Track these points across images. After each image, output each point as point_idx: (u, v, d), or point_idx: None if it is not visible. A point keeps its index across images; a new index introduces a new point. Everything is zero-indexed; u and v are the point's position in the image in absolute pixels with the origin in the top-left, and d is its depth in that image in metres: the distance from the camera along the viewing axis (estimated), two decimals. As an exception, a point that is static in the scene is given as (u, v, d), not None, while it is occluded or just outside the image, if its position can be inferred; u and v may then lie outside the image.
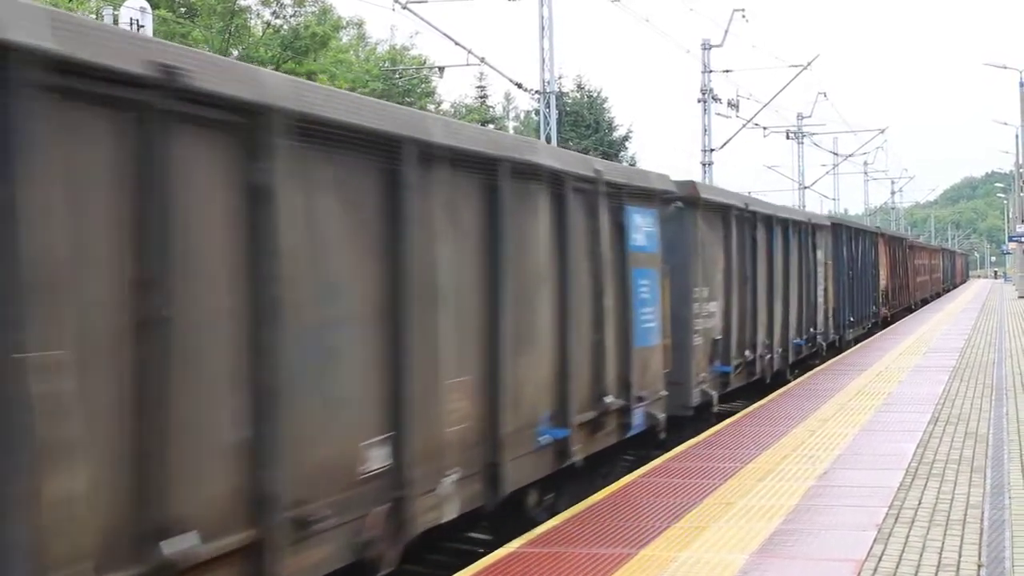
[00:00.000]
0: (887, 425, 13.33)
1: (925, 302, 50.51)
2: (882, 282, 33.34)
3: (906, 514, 8.81)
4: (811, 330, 21.30)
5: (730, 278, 15.66)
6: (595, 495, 9.67)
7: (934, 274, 59.95)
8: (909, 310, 42.24)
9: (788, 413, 14.47)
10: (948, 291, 70.75)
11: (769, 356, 17.77)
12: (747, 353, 16.57)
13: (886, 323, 34.08)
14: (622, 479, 10.42)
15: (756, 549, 7.71)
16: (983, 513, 8.83)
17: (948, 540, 8.03)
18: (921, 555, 7.62)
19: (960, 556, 7.61)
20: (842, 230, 26.56)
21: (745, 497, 9.39)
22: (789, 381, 18.75)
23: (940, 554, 7.65)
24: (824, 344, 22.56)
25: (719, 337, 15.02)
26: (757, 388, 17.30)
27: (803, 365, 21.01)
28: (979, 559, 7.53)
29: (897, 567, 7.32)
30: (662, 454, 11.71)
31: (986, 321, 35.94)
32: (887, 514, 8.76)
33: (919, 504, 9.16)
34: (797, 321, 20.06)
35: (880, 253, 33.04)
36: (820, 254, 22.20)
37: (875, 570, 7.25)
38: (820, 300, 22.12)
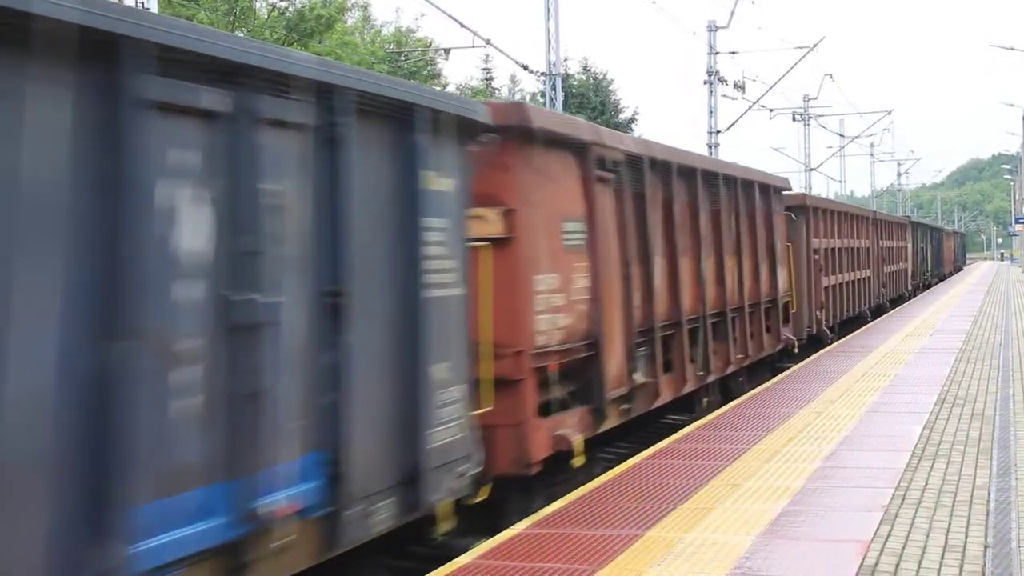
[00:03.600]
0: (893, 407, 13.33)
1: (859, 321, 27.15)
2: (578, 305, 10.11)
3: (912, 495, 8.82)
4: None
5: None
6: (600, 476, 9.69)
7: (892, 264, 35.50)
8: (791, 357, 19.03)
9: (794, 395, 14.48)
10: (929, 286, 48.93)
11: None
12: None
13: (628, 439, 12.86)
14: (628, 460, 10.44)
15: (762, 530, 7.72)
16: (989, 494, 8.84)
17: (954, 521, 8.04)
18: (927, 536, 7.63)
19: (966, 537, 7.62)
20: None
21: (751, 478, 9.40)
22: None
23: (946, 535, 7.66)
24: None
25: None
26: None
27: None
28: (985, 540, 7.53)
29: (903, 548, 7.33)
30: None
31: (992, 303, 35.91)
32: (893, 495, 8.76)
33: (925, 485, 9.17)
34: None
35: (598, 220, 10.41)
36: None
37: (881, 551, 7.26)
38: None
